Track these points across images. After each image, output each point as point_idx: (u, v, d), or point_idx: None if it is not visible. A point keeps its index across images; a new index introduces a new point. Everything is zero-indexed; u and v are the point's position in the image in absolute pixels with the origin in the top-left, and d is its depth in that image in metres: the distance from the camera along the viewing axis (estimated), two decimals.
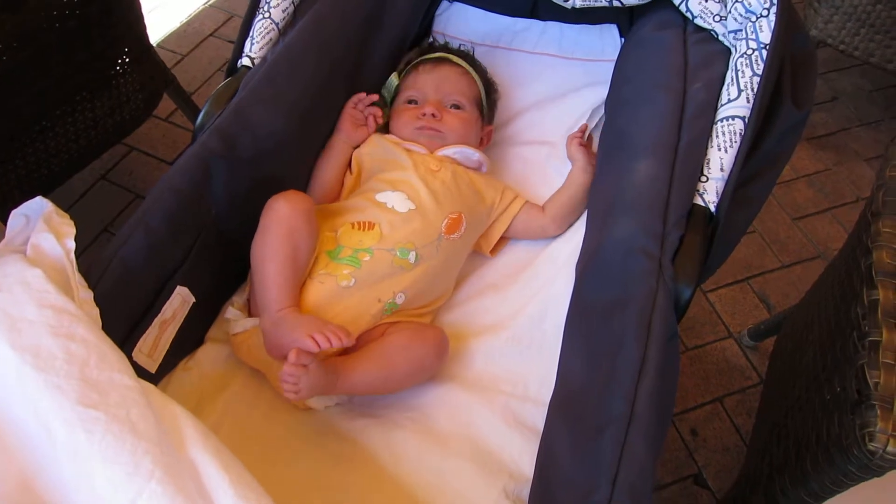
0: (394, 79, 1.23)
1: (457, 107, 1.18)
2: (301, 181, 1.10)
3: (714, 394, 1.74)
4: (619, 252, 0.88)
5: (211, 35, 2.24)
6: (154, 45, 2.11)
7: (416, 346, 0.98)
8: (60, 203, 0.85)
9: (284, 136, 1.00)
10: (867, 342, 0.89)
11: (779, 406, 1.23)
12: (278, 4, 1.05)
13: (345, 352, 0.98)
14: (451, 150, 1.14)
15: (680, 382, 1.71)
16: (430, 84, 1.18)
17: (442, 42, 1.32)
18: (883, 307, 0.91)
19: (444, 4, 1.38)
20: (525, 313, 1.07)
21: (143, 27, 1.51)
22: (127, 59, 1.48)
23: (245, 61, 1.04)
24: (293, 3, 1.08)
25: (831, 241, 2.03)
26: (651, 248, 0.86)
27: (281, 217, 0.94)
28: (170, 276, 0.90)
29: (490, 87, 1.26)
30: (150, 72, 1.56)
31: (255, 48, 1.03)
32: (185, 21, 2.26)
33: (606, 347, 0.82)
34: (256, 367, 1.00)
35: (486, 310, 1.10)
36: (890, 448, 0.81)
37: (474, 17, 1.38)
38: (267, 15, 1.04)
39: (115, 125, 1.53)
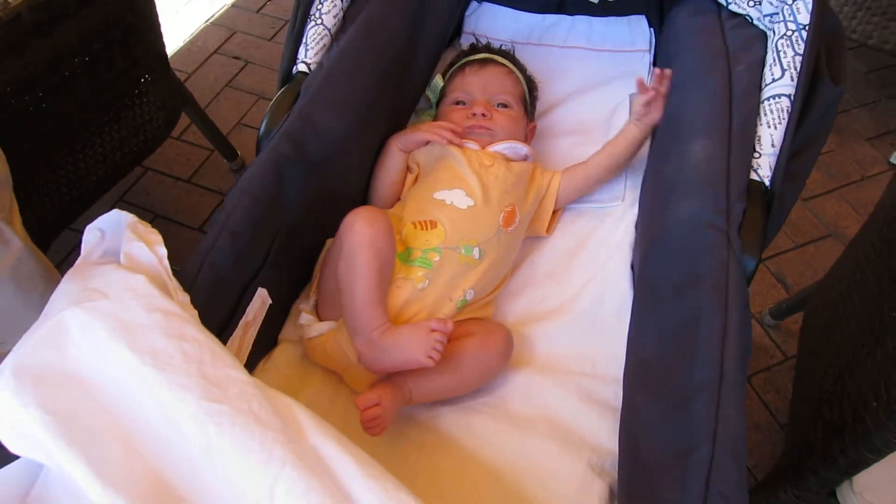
0: (439, 80, 1.26)
1: (504, 105, 1.21)
2: (362, 183, 1.12)
3: None
4: (685, 229, 0.92)
5: (215, 52, 2.26)
6: None
7: (483, 351, 1.00)
8: (81, 226, 0.86)
9: (347, 138, 1.03)
10: None
11: (823, 376, 1.27)
12: (329, 11, 1.08)
13: None
14: (501, 146, 1.17)
15: None
16: (478, 84, 1.21)
17: (480, 42, 1.35)
18: None
19: (474, 5, 1.42)
20: (584, 296, 1.11)
21: (163, 46, 1.53)
22: (148, 79, 1.50)
23: (301, 67, 1.06)
24: (342, 9, 1.11)
25: (840, 219, 2.08)
26: (718, 222, 0.90)
27: (366, 239, 0.94)
28: (252, 279, 0.92)
29: (532, 85, 1.30)
30: (169, 90, 1.59)
31: (310, 54, 1.06)
32: (188, 40, 2.28)
33: (684, 321, 0.85)
34: (331, 369, 1.02)
35: (545, 297, 1.13)
36: None
37: (503, 15, 1.41)
38: (319, 22, 1.07)
39: (139, 144, 1.55)
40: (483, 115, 1.18)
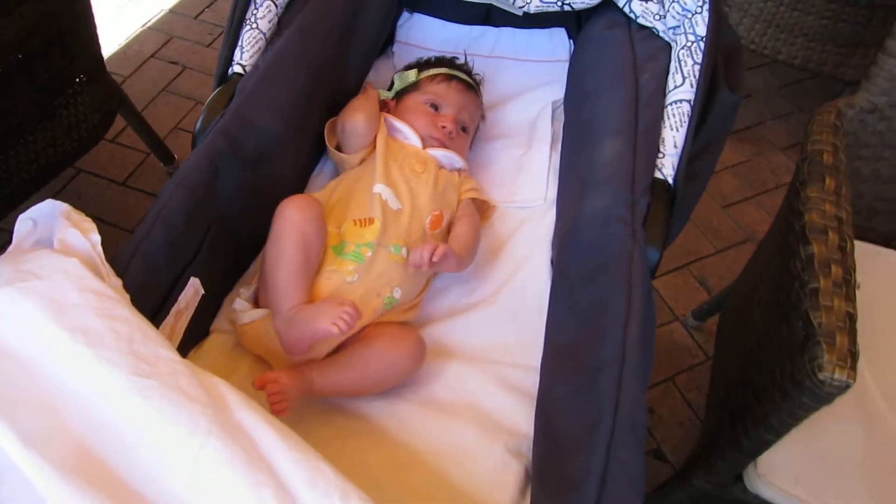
0: (412, 74, 1.31)
1: (464, 129, 1.29)
2: (296, 178, 1.17)
3: (665, 374, 1.83)
4: (597, 222, 0.99)
5: (152, 56, 2.26)
6: None
7: (390, 352, 1.02)
8: (9, 226, 0.88)
9: (282, 136, 1.07)
10: (808, 290, 1.02)
11: (732, 366, 1.36)
12: (265, 16, 1.13)
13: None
14: (439, 153, 1.24)
15: None
16: (458, 103, 1.28)
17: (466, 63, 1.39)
18: (818, 259, 1.05)
19: (405, 15, 1.48)
20: (506, 290, 1.17)
21: (98, 47, 1.54)
22: (83, 79, 1.50)
23: (236, 69, 1.10)
24: (277, 15, 1.16)
25: (757, 224, 2.19)
26: (625, 216, 0.97)
27: (294, 224, 1.00)
28: (184, 268, 0.95)
29: (483, 116, 1.38)
30: (105, 91, 1.59)
31: (245, 56, 1.10)
32: (124, 44, 2.28)
33: (593, 305, 0.93)
34: (261, 355, 1.05)
35: (470, 292, 1.19)
36: (836, 376, 0.94)
37: (433, 26, 1.48)
38: (255, 26, 1.12)
39: (72, 144, 1.54)
40: (450, 132, 1.25)
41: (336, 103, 1.24)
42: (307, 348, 0.99)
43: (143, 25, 2.35)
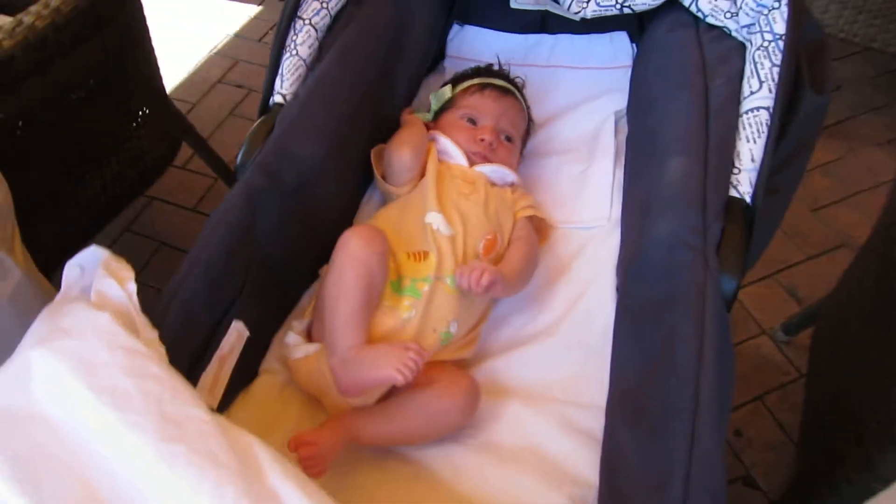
0: (447, 90, 1.25)
1: (509, 139, 1.21)
2: (343, 206, 1.13)
3: (753, 392, 1.72)
4: (663, 249, 0.90)
5: (219, 82, 2.29)
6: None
7: (443, 403, 0.95)
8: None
9: (324, 165, 1.03)
10: None
11: (827, 397, 1.23)
12: (304, 41, 1.09)
13: None
14: (489, 168, 1.17)
15: None
16: (494, 111, 1.21)
17: (500, 66, 1.33)
18: None
19: (455, 28, 1.42)
20: (568, 319, 1.09)
21: (160, 79, 1.55)
22: (146, 111, 1.52)
23: (277, 98, 1.07)
24: (318, 39, 1.12)
25: (853, 228, 2.03)
26: (694, 242, 0.87)
27: (358, 258, 0.95)
28: (226, 311, 0.92)
29: (531, 123, 1.30)
30: (168, 121, 1.60)
31: (286, 85, 1.07)
32: (192, 71, 2.31)
33: (661, 344, 0.83)
34: (312, 393, 1.01)
35: (529, 321, 1.11)
36: None
37: (485, 37, 1.41)
38: (294, 53, 1.08)
39: (138, 176, 1.57)
40: (490, 143, 1.18)
41: (383, 125, 1.19)
42: (363, 391, 0.94)
43: (210, 51, 2.38)
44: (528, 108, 1.28)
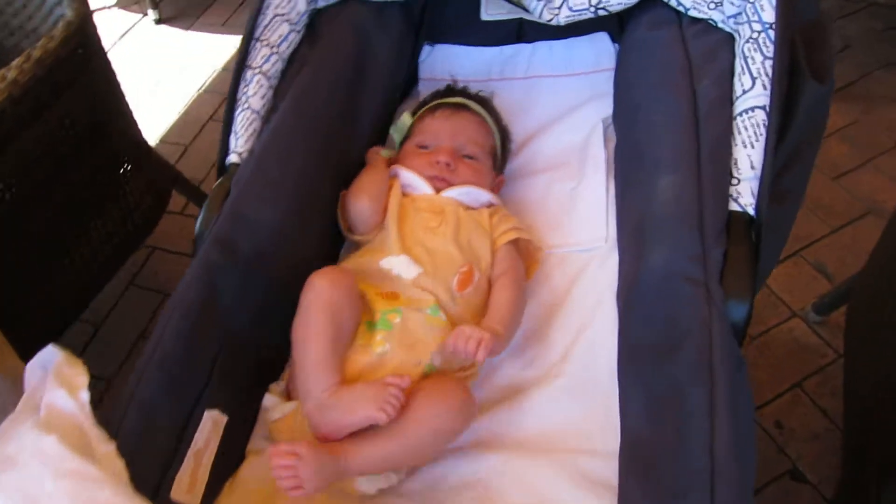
0: (406, 119, 1.19)
1: (471, 157, 1.13)
2: (317, 265, 1.04)
3: (791, 380, 1.63)
4: (658, 281, 0.81)
5: (210, 119, 2.23)
6: (158, 140, 2.12)
7: (434, 413, 0.88)
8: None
9: (285, 226, 0.96)
10: None
11: (868, 382, 1.13)
12: (256, 92, 1.01)
13: None
14: (456, 192, 1.09)
15: (752, 374, 1.63)
16: (447, 131, 1.13)
17: (456, 84, 1.25)
18: None
19: (426, 49, 1.33)
20: (573, 356, 1.00)
21: (138, 131, 1.50)
22: (128, 167, 1.46)
23: (233, 158, 0.99)
24: (271, 87, 1.04)
25: (878, 193, 1.94)
26: (694, 273, 0.78)
27: (323, 296, 0.90)
28: (196, 402, 0.85)
29: (506, 137, 1.21)
30: (154, 173, 1.55)
31: (240, 142, 0.99)
32: (182, 112, 2.26)
33: (668, 394, 0.74)
34: None
35: (530, 361, 1.03)
36: None
37: (459, 54, 1.33)
38: (246, 106, 1.00)
39: (129, 232, 1.52)
40: (447, 164, 1.09)
41: (351, 167, 1.11)
42: (344, 436, 0.87)
43: (199, 90, 2.33)
44: (496, 121, 1.18)
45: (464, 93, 1.21)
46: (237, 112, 1.00)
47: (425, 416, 0.87)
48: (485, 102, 1.20)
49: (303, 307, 0.92)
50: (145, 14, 2.46)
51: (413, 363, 0.93)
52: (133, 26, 2.47)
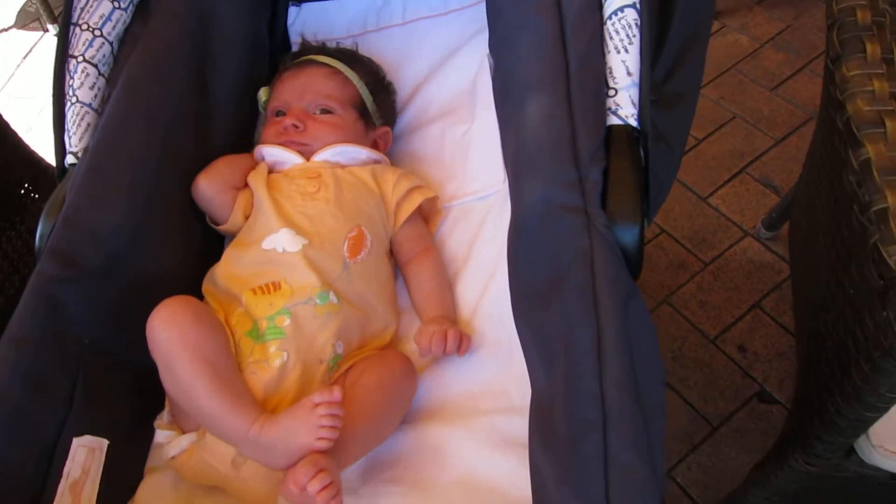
0: (262, 94, 1.10)
1: (327, 111, 1.03)
2: (191, 263, 0.95)
3: (749, 301, 1.61)
4: (537, 218, 0.72)
5: None
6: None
7: (387, 379, 0.86)
8: None
9: (133, 225, 0.86)
10: (872, 214, 0.72)
11: (809, 296, 1.07)
12: (83, 83, 0.91)
13: None
14: (329, 153, 1.00)
15: (709, 301, 1.58)
16: (293, 91, 1.04)
17: (316, 44, 1.16)
18: (877, 165, 0.74)
19: (293, 10, 1.23)
20: (481, 313, 0.93)
21: (30, 152, 1.38)
22: (29, 187, 1.35)
23: (70, 159, 0.90)
24: (101, 74, 0.93)
25: (818, 98, 1.86)
26: (571, 201, 0.70)
27: (168, 345, 0.79)
28: (58, 434, 0.76)
29: (378, 86, 1.10)
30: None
31: (73, 140, 0.89)
32: None
33: (557, 338, 0.66)
34: (210, 485, 0.86)
35: None
36: None
37: (330, 10, 1.22)
38: (74, 100, 0.90)
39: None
40: (294, 126, 1.00)
41: (214, 150, 1.01)
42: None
43: None
44: (356, 69, 1.08)
45: (318, 48, 1.11)
46: (67, 108, 0.89)
47: (373, 387, 0.84)
48: (341, 53, 1.10)
49: (159, 361, 0.82)
50: (46, 31, 2.37)
51: (315, 362, 0.86)
52: (35, 44, 2.37)
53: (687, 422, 1.45)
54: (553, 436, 0.64)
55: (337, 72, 1.06)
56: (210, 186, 0.96)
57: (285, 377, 0.84)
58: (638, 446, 0.57)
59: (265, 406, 0.82)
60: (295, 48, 1.22)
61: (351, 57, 1.10)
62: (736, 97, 1.92)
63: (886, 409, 0.78)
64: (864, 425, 0.82)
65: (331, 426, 0.74)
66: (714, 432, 1.43)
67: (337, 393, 0.75)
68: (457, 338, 0.88)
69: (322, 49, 1.12)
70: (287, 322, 0.85)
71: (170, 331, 0.78)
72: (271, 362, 0.84)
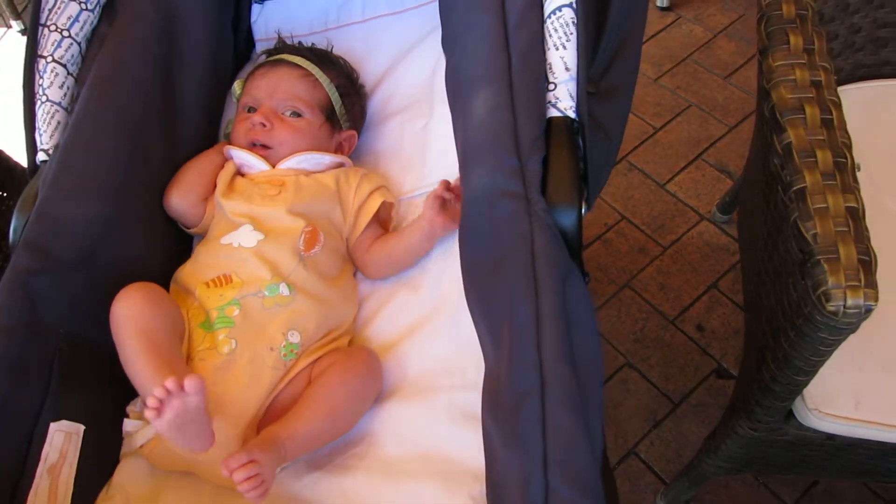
0: (236, 87, 1.13)
1: (296, 114, 1.07)
2: (148, 252, 0.99)
3: (706, 282, 1.67)
4: (483, 203, 0.78)
5: None
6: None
7: (351, 377, 0.89)
8: None
9: (105, 218, 0.90)
10: (792, 193, 0.79)
11: (750, 274, 1.14)
12: (52, 82, 0.94)
13: (279, 413, 0.89)
14: (294, 160, 1.04)
15: (668, 283, 1.64)
16: (265, 89, 1.07)
17: (290, 41, 1.19)
18: (797, 148, 0.80)
19: (256, 8, 1.26)
20: (439, 296, 0.97)
21: (7, 158, 1.40)
22: (3, 195, 1.38)
23: (41, 156, 0.93)
24: (70, 74, 0.97)
25: None
26: (512, 187, 0.75)
27: (121, 318, 0.85)
28: (35, 420, 0.80)
29: (349, 89, 1.14)
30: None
31: (44, 138, 0.93)
32: None
33: (501, 314, 0.72)
34: (181, 470, 0.90)
35: (400, 310, 1.00)
36: (850, 302, 0.71)
37: (292, 7, 1.25)
38: (45, 99, 0.94)
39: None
40: (262, 124, 1.04)
41: (181, 149, 1.05)
42: (212, 435, 0.82)
43: None
44: (328, 72, 1.11)
45: (293, 47, 1.14)
46: (37, 107, 0.93)
47: (346, 387, 0.88)
48: (314, 53, 1.13)
49: (114, 337, 0.87)
50: (9, 27, 2.35)
51: (265, 350, 0.90)
52: None
53: (649, 400, 1.51)
54: (500, 405, 0.70)
55: (308, 74, 1.09)
56: (182, 203, 1.01)
57: (234, 363, 0.88)
58: (572, 408, 0.63)
59: (213, 389, 0.87)
60: (259, 45, 1.26)
61: (324, 59, 1.14)
62: (691, 86, 1.98)
63: (814, 373, 0.85)
64: (796, 389, 0.89)
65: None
66: (675, 409, 1.49)
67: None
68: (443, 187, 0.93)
69: (297, 49, 1.14)
70: (236, 312, 0.90)
71: (120, 306, 0.85)
72: (220, 349, 0.89)
